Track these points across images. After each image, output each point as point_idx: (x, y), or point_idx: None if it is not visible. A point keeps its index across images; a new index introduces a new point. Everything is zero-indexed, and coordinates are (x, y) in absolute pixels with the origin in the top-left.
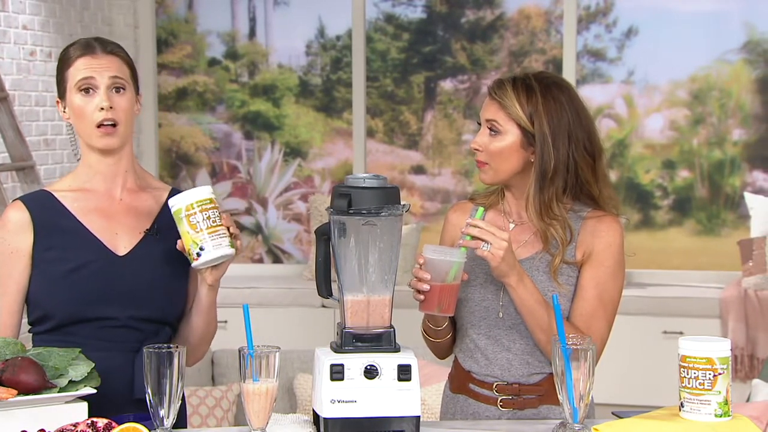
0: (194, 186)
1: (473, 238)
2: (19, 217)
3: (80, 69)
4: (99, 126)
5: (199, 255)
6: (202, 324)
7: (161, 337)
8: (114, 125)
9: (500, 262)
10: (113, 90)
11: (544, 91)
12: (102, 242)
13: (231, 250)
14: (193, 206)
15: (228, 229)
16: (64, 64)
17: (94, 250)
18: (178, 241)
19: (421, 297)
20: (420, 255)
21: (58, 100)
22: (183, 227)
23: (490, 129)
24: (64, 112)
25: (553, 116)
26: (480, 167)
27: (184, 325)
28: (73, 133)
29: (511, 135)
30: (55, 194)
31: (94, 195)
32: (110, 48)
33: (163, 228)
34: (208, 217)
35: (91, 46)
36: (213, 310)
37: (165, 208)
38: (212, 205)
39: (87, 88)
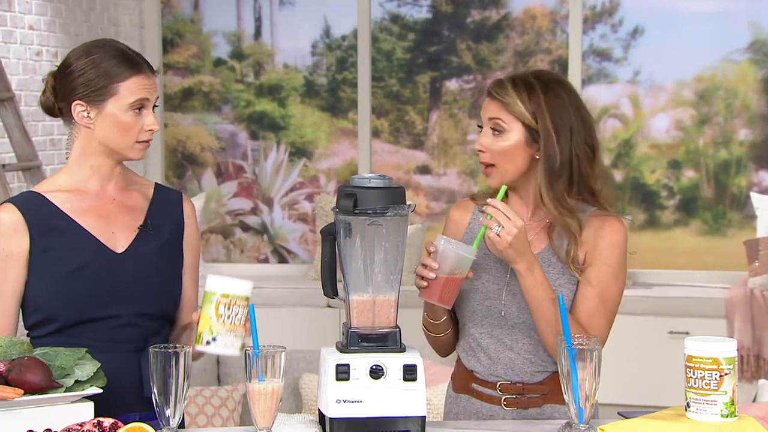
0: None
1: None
2: (13, 219)
3: (136, 89)
4: (142, 141)
5: (208, 343)
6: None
7: (162, 334)
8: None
9: (507, 247)
10: (153, 108)
11: (544, 87)
12: (100, 241)
13: (238, 353)
14: (229, 297)
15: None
16: (109, 75)
17: (93, 249)
18: (194, 314)
19: (425, 284)
20: (431, 243)
21: (81, 102)
22: (208, 310)
23: (493, 129)
24: (87, 116)
25: (556, 112)
26: (486, 173)
27: (175, 339)
28: (70, 133)
29: (515, 133)
30: (46, 195)
31: (87, 195)
32: (153, 69)
33: (155, 223)
34: (236, 314)
35: (138, 63)
36: None
37: (154, 203)
38: (245, 303)
39: (140, 108)
